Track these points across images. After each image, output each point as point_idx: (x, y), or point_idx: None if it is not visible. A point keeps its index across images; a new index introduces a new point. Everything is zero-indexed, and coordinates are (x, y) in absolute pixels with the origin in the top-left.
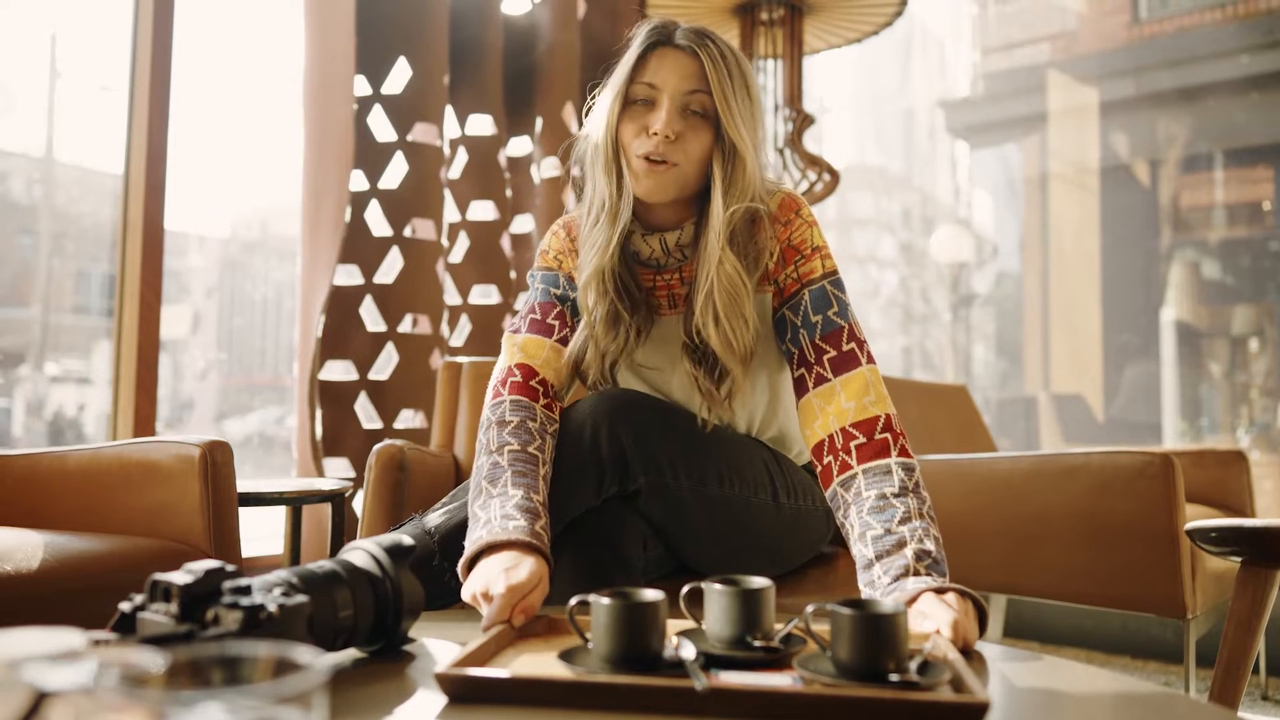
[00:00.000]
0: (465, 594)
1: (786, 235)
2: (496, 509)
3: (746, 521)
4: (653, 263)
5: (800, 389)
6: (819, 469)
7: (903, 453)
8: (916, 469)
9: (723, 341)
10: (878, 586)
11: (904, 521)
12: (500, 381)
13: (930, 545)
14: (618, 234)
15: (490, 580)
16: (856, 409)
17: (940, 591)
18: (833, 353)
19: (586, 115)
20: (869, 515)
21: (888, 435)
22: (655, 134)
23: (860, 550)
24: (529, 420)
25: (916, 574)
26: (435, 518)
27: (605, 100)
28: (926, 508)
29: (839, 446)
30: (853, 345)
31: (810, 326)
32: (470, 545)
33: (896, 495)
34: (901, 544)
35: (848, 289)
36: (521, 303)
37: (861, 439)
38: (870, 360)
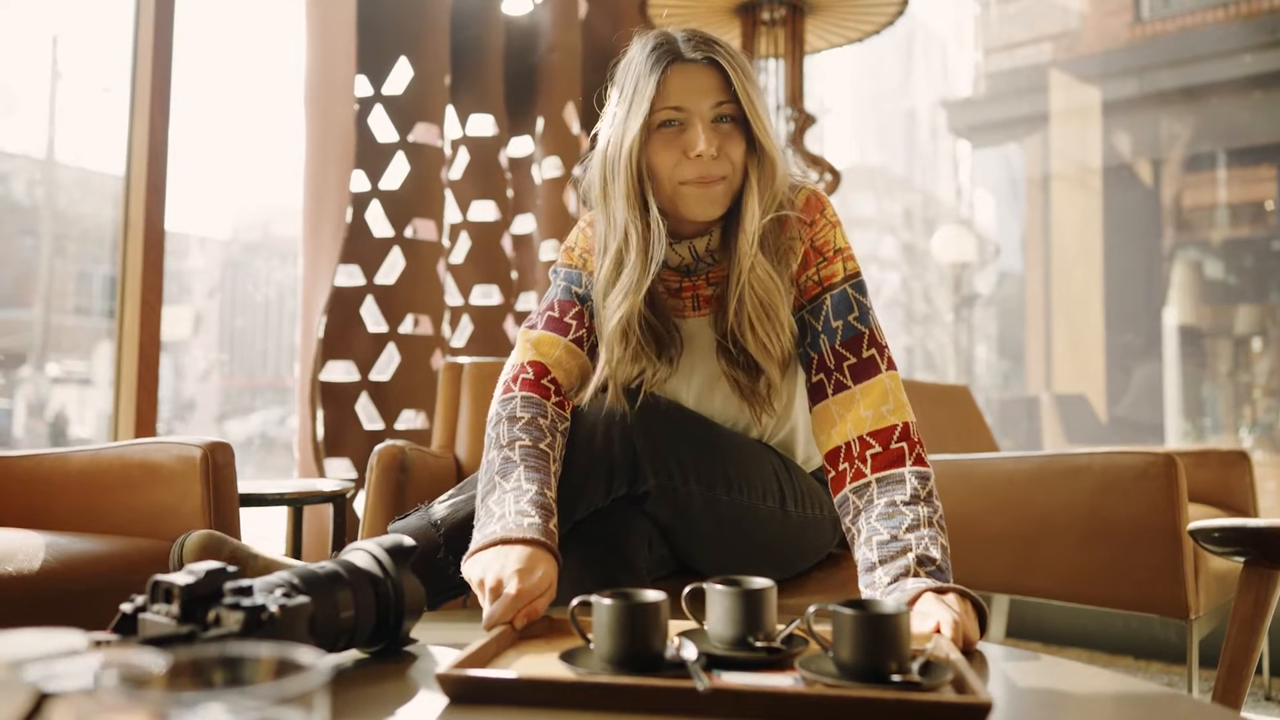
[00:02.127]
0: (471, 576)
1: (810, 236)
2: (511, 503)
3: (753, 528)
4: (682, 269)
5: (819, 395)
6: (831, 475)
7: (918, 461)
8: (931, 478)
9: (759, 347)
10: (877, 587)
11: (911, 529)
12: (512, 378)
13: (935, 553)
14: (650, 277)
15: (503, 575)
16: (874, 418)
17: (940, 592)
18: (853, 359)
19: (591, 144)
20: (877, 521)
21: (904, 444)
22: (699, 155)
23: (864, 554)
24: (540, 417)
25: (916, 576)
26: (441, 510)
27: (624, 128)
28: (937, 516)
29: (855, 454)
30: (873, 351)
31: (831, 332)
32: (482, 538)
33: (907, 503)
34: (906, 549)
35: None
36: (533, 300)
37: (878, 448)
38: (891, 366)
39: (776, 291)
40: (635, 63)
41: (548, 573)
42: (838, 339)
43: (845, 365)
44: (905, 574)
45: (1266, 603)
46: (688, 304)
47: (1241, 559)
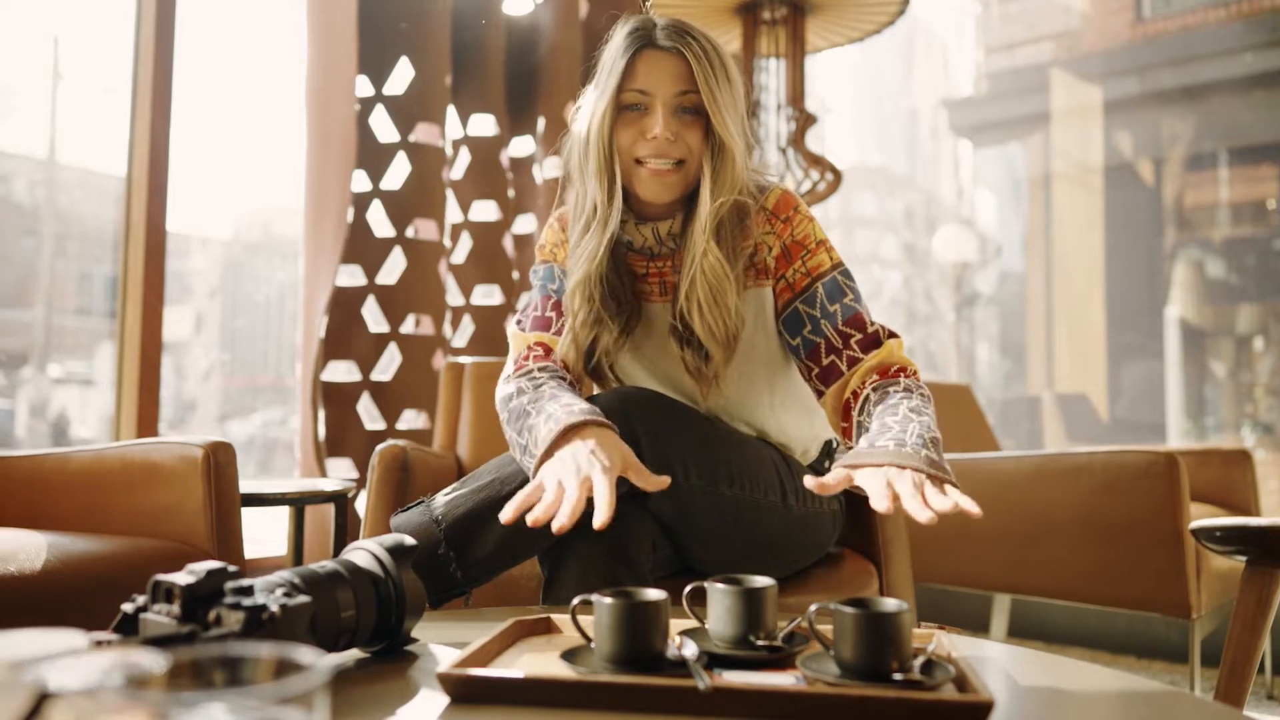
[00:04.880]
0: (548, 478)
1: (788, 232)
2: (555, 407)
3: (755, 523)
4: (645, 251)
5: (833, 375)
6: (844, 427)
7: (917, 383)
8: (929, 394)
9: (705, 329)
10: (877, 435)
11: (916, 413)
12: (523, 357)
13: (938, 434)
14: (606, 241)
15: (581, 462)
16: (878, 365)
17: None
18: (859, 335)
19: (573, 117)
20: (883, 414)
21: (902, 373)
22: (654, 138)
23: (872, 428)
24: (559, 376)
25: (901, 444)
26: (442, 505)
27: (595, 106)
28: (935, 422)
29: (860, 393)
30: (876, 326)
31: (830, 316)
32: (544, 439)
33: (910, 404)
34: (910, 422)
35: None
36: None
37: (877, 377)
38: (892, 335)
39: (726, 279)
40: (612, 44)
41: (619, 447)
42: (839, 320)
43: (853, 341)
44: (909, 436)
45: (1269, 602)
46: (654, 288)
47: (1243, 558)
